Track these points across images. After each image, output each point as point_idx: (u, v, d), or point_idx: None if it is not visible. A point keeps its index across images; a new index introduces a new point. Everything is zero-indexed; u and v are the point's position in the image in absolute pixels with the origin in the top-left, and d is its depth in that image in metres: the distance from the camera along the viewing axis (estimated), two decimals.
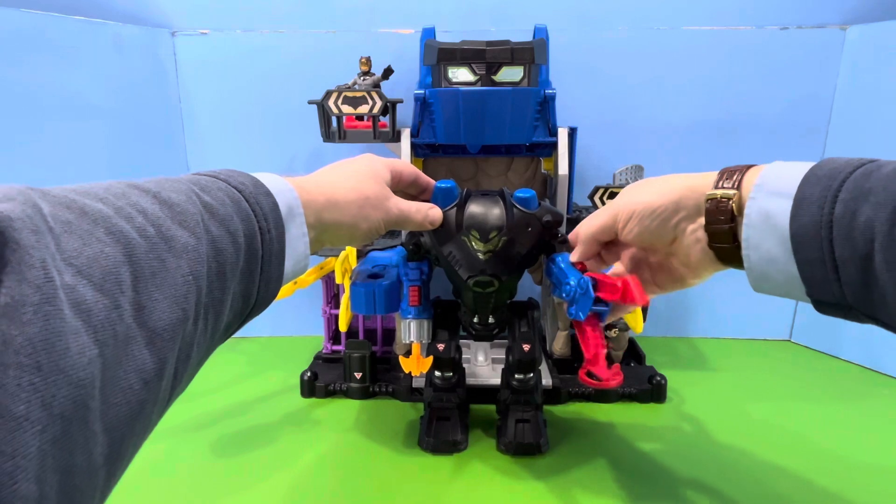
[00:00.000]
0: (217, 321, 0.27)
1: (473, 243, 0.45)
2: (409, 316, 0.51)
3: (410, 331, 0.52)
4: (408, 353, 0.53)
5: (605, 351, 0.43)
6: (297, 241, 0.33)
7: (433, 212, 0.45)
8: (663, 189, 0.39)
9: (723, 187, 0.35)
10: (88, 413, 0.19)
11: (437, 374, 0.55)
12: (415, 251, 0.49)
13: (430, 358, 0.53)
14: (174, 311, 0.23)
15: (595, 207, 0.64)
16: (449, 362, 0.54)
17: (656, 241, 0.40)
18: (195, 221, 0.25)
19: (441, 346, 0.53)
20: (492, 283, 0.45)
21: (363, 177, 0.40)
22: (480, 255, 0.45)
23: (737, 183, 0.35)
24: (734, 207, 0.35)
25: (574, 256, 0.45)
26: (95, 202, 0.22)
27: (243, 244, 0.28)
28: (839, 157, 0.32)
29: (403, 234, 0.64)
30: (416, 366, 0.53)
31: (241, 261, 0.28)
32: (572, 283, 0.42)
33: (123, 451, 0.22)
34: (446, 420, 0.55)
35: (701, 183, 0.37)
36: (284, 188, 0.33)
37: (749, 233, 0.34)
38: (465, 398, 0.57)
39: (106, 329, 0.20)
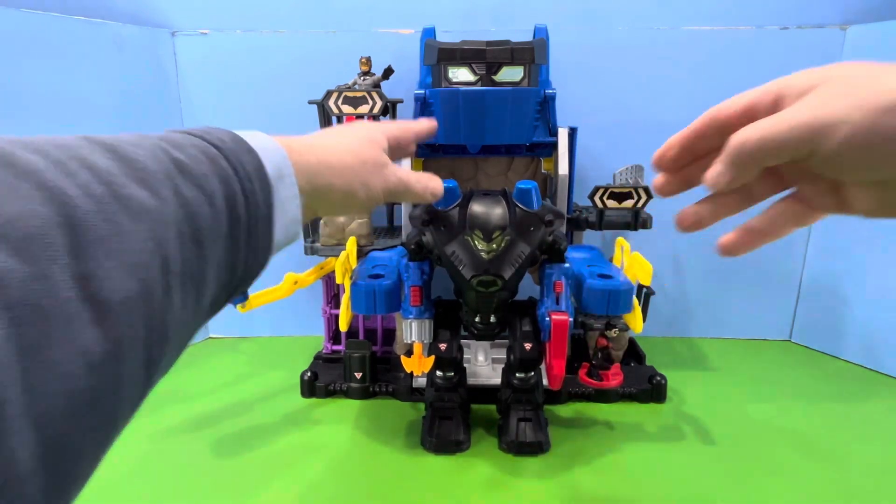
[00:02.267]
0: (199, 294, 0.25)
1: (476, 243, 0.45)
2: (411, 316, 0.51)
3: (412, 331, 0.52)
4: (409, 353, 0.53)
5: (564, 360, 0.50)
6: (287, 203, 0.30)
7: (434, 182, 0.42)
8: None
9: None
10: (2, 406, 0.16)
11: (439, 373, 0.55)
12: (416, 251, 0.49)
13: (432, 358, 0.53)
14: (131, 283, 0.20)
15: (595, 207, 0.64)
16: (451, 362, 0.54)
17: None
18: (158, 180, 0.22)
19: (443, 346, 0.53)
20: (495, 282, 0.45)
21: (361, 140, 0.37)
22: (483, 255, 0.45)
23: None
24: None
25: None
26: (30, 153, 0.19)
27: (223, 207, 0.25)
28: None
29: (404, 233, 0.64)
30: (417, 365, 0.53)
31: (222, 225, 0.25)
32: (542, 311, 0.51)
33: (72, 450, 0.18)
34: (448, 420, 0.55)
35: None
36: (271, 146, 0.29)
37: None
38: (467, 398, 0.58)
39: (23, 304, 0.16)
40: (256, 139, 0.29)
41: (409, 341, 0.52)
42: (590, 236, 0.71)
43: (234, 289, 0.28)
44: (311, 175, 0.32)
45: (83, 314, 0.18)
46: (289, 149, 0.31)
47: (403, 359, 0.54)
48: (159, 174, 0.22)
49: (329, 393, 0.65)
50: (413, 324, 0.51)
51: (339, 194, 0.35)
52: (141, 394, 0.22)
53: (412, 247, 0.49)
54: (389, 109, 0.62)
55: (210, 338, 0.83)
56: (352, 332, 0.70)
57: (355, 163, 0.35)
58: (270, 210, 0.28)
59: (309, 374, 0.65)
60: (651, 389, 0.63)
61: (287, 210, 0.30)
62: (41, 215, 0.17)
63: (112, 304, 0.19)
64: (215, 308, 0.27)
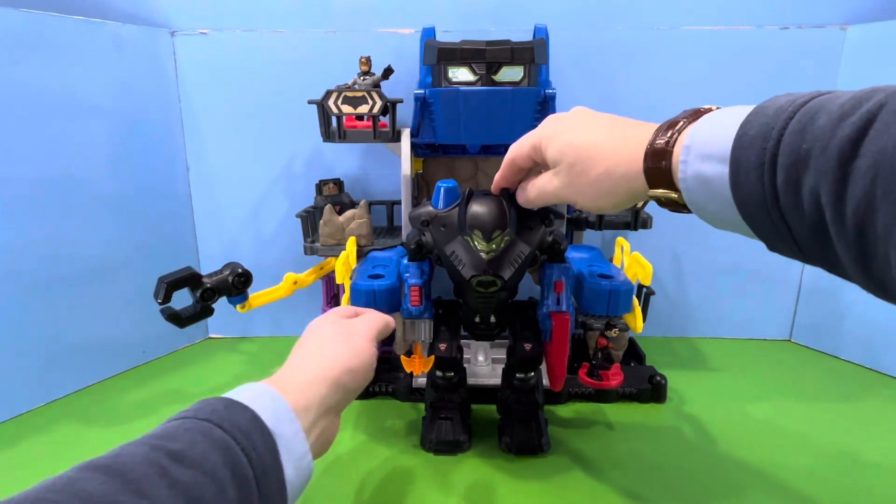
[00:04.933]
0: None
1: (476, 243, 0.45)
2: (411, 316, 0.51)
3: (412, 331, 0.51)
4: (409, 353, 0.53)
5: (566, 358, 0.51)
6: (293, 441, 0.32)
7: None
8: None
9: (655, 146, 0.33)
10: None
11: (439, 374, 0.55)
12: (416, 251, 0.49)
13: (432, 358, 0.53)
14: None
15: None
16: (451, 362, 0.54)
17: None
18: (151, 482, 0.25)
19: (443, 347, 0.53)
20: (494, 282, 0.45)
21: (354, 354, 0.42)
22: (483, 255, 0.45)
23: (673, 141, 0.32)
24: (671, 169, 0.32)
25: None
26: None
27: (227, 476, 0.27)
28: (774, 99, 0.28)
29: (404, 233, 0.64)
30: (417, 365, 0.53)
31: (228, 492, 0.27)
32: (543, 311, 0.51)
33: None
34: (448, 420, 0.55)
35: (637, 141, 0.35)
36: (262, 392, 0.33)
37: (691, 197, 0.31)
38: (467, 398, 0.57)
39: None
40: (246, 393, 0.32)
41: (409, 341, 0.52)
42: (590, 236, 0.71)
43: None
44: (308, 395, 0.35)
45: None
46: (278, 385, 0.34)
47: (403, 359, 0.53)
48: (152, 476, 0.25)
49: None
50: (413, 324, 0.51)
51: (341, 396, 0.39)
52: None
53: (412, 247, 0.49)
54: (389, 109, 0.62)
55: (210, 338, 0.83)
56: None
57: (349, 381, 0.40)
58: (276, 456, 0.30)
59: None
60: (651, 389, 0.63)
61: (294, 448, 0.32)
62: None
63: None
64: None
